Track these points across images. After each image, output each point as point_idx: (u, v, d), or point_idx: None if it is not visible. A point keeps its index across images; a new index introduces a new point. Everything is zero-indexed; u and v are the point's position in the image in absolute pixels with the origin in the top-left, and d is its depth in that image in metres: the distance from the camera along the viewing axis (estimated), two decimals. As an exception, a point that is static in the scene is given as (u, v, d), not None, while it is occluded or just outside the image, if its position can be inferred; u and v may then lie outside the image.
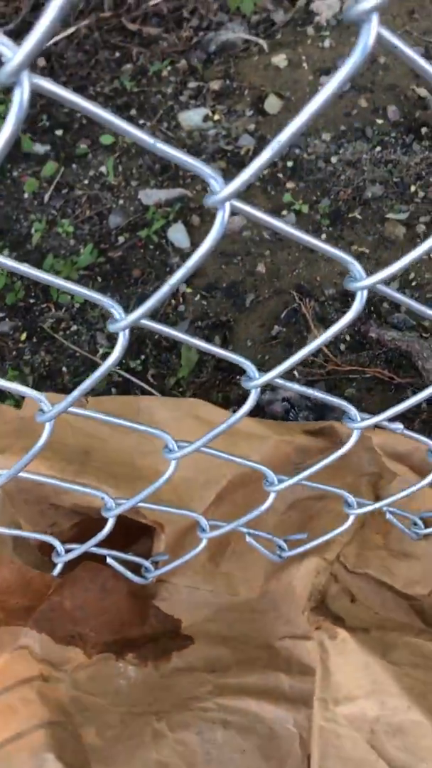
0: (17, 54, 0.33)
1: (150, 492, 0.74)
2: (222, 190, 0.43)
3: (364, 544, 0.96)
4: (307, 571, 0.90)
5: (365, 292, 0.53)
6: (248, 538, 0.92)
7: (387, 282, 0.51)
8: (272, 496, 0.79)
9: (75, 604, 0.87)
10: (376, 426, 0.72)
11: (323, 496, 0.99)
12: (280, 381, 0.64)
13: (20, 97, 0.35)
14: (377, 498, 0.97)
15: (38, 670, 0.82)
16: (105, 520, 0.78)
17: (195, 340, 0.58)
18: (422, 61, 0.42)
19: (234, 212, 0.45)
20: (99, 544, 0.81)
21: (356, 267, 0.53)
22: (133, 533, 0.97)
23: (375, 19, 0.36)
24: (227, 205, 0.44)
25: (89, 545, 0.82)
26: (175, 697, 0.84)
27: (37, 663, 0.83)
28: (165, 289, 0.49)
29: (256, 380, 0.62)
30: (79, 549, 0.84)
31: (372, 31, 0.36)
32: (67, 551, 0.85)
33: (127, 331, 0.53)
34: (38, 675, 0.82)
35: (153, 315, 1.42)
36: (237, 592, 0.94)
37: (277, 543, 0.94)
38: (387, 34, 0.38)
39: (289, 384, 0.66)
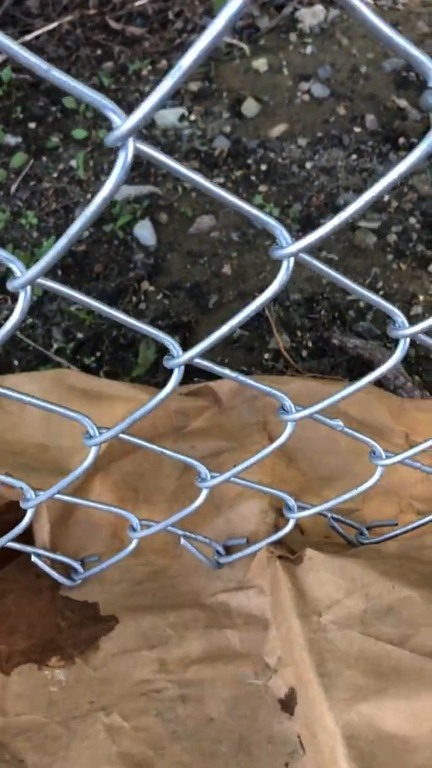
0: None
1: (70, 481, 0.69)
2: (123, 124, 0.38)
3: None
4: (251, 512, 0.85)
5: (291, 261, 0.48)
6: (183, 541, 0.86)
7: (312, 249, 0.47)
8: (204, 492, 0.74)
9: None
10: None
11: (221, 452, 0.95)
12: (205, 363, 0.59)
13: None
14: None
15: None
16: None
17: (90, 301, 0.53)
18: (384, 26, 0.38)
19: (138, 154, 0.41)
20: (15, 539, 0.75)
21: (283, 233, 0.48)
22: None
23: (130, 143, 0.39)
24: (130, 143, 0.40)
25: (6, 540, 0.76)
26: (120, 686, 0.77)
27: None
28: (62, 241, 0.45)
29: (178, 359, 0.57)
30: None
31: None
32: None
33: (29, 289, 0.49)
34: None
35: (112, 302, 1.38)
36: (150, 561, 0.88)
37: (215, 548, 0.88)
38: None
39: (218, 368, 0.61)
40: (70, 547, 0.87)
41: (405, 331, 0.50)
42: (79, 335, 1.37)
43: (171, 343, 0.57)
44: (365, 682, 0.69)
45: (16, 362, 1.34)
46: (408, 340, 0.52)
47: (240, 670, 0.77)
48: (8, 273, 0.49)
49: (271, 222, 0.47)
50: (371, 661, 0.71)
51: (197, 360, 0.56)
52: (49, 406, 0.63)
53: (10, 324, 0.50)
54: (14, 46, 0.38)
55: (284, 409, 0.64)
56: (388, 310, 0.49)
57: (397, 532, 0.89)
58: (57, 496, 0.71)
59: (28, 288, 0.48)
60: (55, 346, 1.36)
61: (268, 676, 0.77)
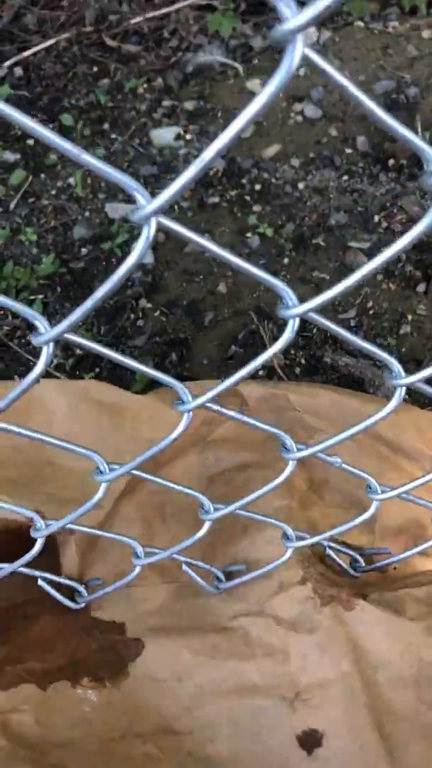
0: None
1: (80, 514, 0.73)
2: (148, 205, 0.42)
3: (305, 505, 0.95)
4: (276, 537, 0.87)
5: (297, 320, 0.52)
6: (184, 567, 0.89)
7: (319, 310, 0.50)
8: (207, 524, 0.77)
9: (7, 640, 0.83)
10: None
11: (246, 466, 0.97)
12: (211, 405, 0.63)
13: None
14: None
15: None
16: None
17: (127, 360, 0.57)
18: (351, 86, 0.42)
19: (160, 228, 0.45)
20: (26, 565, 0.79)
21: (290, 294, 0.52)
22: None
23: (300, 39, 0.36)
24: (153, 221, 0.43)
25: (17, 565, 0.80)
26: (150, 718, 0.80)
27: None
28: (88, 304, 0.48)
29: (188, 404, 0.60)
30: (4, 569, 0.81)
31: (297, 52, 0.36)
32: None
33: (51, 345, 0.52)
34: None
35: (112, 327, 1.42)
36: (176, 578, 0.91)
37: (215, 573, 0.92)
38: (313, 55, 0.38)
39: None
40: (102, 568, 0.90)
41: (401, 380, 0.52)
42: (78, 351, 1.40)
43: (174, 384, 0.60)
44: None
45: (16, 377, 1.37)
46: (404, 389, 0.54)
47: (258, 703, 0.80)
48: (31, 327, 0.52)
49: (278, 284, 0.50)
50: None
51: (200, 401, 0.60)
52: (57, 442, 0.66)
53: (34, 375, 0.53)
54: (47, 133, 0.41)
55: (285, 447, 0.68)
56: (385, 359, 0.52)
57: (391, 560, 0.92)
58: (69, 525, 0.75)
59: (51, 344, 0.51)
60: (55, 361, 1.39)
61: (285, 712, 0.80)
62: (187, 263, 1.51)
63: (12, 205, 1.65)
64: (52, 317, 1.45)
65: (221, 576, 0.92)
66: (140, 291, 1.48)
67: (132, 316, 1.45)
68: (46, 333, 0.51)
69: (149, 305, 1.46)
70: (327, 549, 0.91)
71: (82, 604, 0.90)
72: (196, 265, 1.50)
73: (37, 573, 0.85)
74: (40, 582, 0.85)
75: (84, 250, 1.55)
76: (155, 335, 1.42)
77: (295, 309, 0.48)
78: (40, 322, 0.51)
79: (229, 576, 0.92)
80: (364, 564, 0.94)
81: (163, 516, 0.95)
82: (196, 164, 0.40)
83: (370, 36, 1.90)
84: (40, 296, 1.48)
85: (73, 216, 1.62)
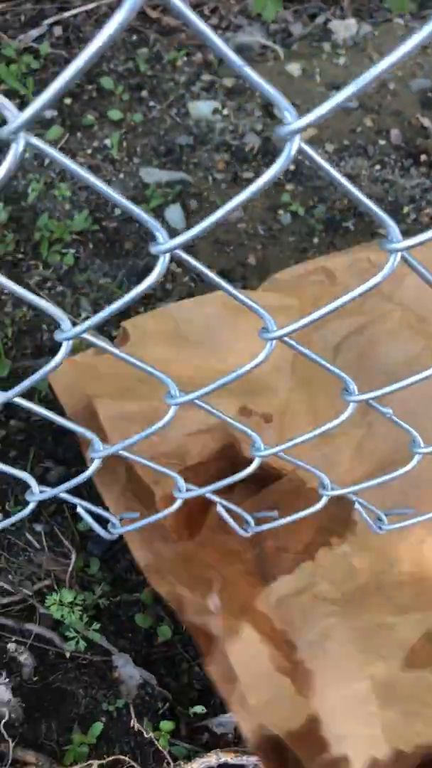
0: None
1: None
2: (167, 243, 0.44)
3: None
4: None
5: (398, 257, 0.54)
6: (219, 508, 0.92)
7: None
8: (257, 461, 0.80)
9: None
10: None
11: (362, 328, 1.07)
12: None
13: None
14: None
15: None
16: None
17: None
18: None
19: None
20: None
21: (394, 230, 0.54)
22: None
23: (297, 138, 0.44)
24: (296, 139, 0.45)
25: (63, 489, 0.82)
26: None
27: None
28: (230, 206, 0.49)
29: (163, 245, 0.63)
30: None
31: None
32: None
33: (168, 255, 0.53)
34: None
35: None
36: None
37: (245, 518, 0.95)
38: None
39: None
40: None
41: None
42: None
43: (261, 313, 0.63)
44: None
45: (44, 327, 1.39)
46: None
47: None
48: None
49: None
50: None
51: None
52: (142, 365, 0.69)
53: (146, 284, 0.54)
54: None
55: (347, 391, 0.71)
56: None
57: (415, 520, 0.96)
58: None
59: (168, 255, 0.52)
60: (83, 315, 1.41)
61: None
62: (218, 233, 1.54)
63: (47, 160, 1.66)
64: (83, 272, 1.47)
65: (251, 521, 0.95)
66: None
67: (162, 278, 1.47)
68: (165, 242, 0.53)
69: (179, 270, 1.48)
70: (356, 503, 0.95)
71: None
72: (227, 235, 1.53)
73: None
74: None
75: (117, 211, 1.56)
76: (183, 299, 1.44)
77: (399, 244, 0.51)
78: (161, 233, 0.53)
79: (259, 521, 0.96)
80: (386, 522, 0.98)
81: None
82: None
83: (409, 34, 1.94)
84: (72, 250, 1.49)
85: (107, 177, 1.63)
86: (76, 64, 0.37)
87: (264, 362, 0.72)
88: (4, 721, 0.86)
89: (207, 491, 0.87)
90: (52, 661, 0.99)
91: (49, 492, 0.86)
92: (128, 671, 1.00)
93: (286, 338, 0.65)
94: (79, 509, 0.92)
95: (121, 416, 0.95)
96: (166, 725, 0.92)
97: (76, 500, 0.92)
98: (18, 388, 0.68)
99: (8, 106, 0.44)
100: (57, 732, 0.94)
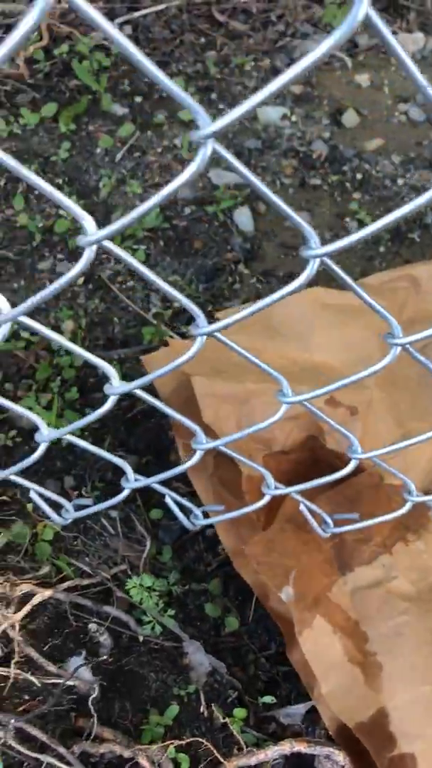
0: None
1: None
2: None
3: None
4: None
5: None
6: (301, 507, 0.95)
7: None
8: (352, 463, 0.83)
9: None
10: None
11: None
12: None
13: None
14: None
15: None
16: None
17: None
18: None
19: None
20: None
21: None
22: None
23: (210, 143, 0.45)
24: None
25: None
26: None
27: None
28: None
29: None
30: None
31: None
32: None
33: (94, 247, 0.52)
34: None
35: (209, 287, 1.45)
36: None
37: (324, 518, 0.97)
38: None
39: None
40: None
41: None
42: (176, 304, 1.46)
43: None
44: None
45: (116, 319, 1.42)
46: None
47: None
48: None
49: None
50: None
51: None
52: (254, 359, 0.72)
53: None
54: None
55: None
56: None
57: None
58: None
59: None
60: (153, 310, 1.44)
61: None
62: (285, 237, 1.56)
63: (118, 157, 1.70)
64: (153, 268, 1.50)
65: (329, 521, 0.98)
66: (239, 256, 1.53)
67: (230, 279, 1.50)
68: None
69: (246, 271, 1.51)
70: (301, 505, 0.96)
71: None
72: (294, 240, 1.56)
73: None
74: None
75: (187, 210, 1.60)
76: (249, 300, 1.47)
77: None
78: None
79: (338, 522, 0.98)
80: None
81: None
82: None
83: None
84: (143, 247, 1.53)
85: (177, 176, 1.66)
86: None
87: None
88: (90, 697, 0.89)
89: (295, 490, 0.90)
90: (125, 643, 1.03)
91: (143, 481, 0.89)
92: (198, 658, 1.03)
93: (408, 346, 0.67)
94: (167, 499, 0.95)
95: (214, 394, 0.98)
96: (240, 713, 0.95)
97: (165, 490, 0.95)
98: (140, 381, 0.71)
99: (202, 114, 0.47)
100: (131, 712, 0.97)
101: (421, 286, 1.13)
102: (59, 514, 0.95)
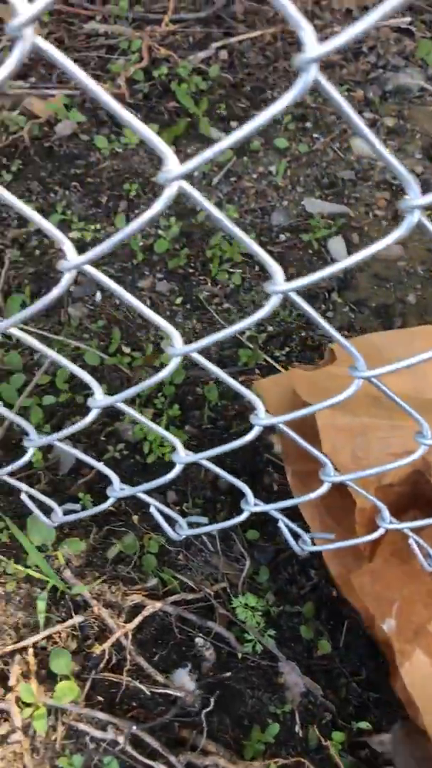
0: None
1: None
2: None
3: None
4: None
5: None
6: (411, 541, 0.98)
7: None
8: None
9: None
10: None
11: None
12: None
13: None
14: None
15: None
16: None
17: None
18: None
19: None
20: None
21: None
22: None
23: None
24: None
25: None
26: None
27: None
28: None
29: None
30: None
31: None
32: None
33: (74, 272, 0.53)
34: None
35: (303, 314, 1.49)
36: None
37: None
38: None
39: None
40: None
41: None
42: (270, 328, 1.50)
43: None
44: None
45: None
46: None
47: None
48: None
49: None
50: None
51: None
52: (397, 399, 0.75)
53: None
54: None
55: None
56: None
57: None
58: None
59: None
60: (247, 333, 1.49)
61: None
62: (378, 268, 1.60)
63: (215, 181, 1.75)
64: (248, 292, 1.55)
65: (436, 557, 1.00)
66: (333, 285, 1.56)
67: (323, 306, 1.54)
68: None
69: (340, 300, 1.55)
70: (280, 522, 0.99)
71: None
72: (386, 271, 1.59)
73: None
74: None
75: (282, 237, 1.64)
76: (343, 329, 1.50)
77: None
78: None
79: None
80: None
81: None
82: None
83: None
84: (239, 271, 1.57)
85: (272, 202, 1.71)
86: None
87: None
88: (203, 711, 0.92)
89: (410, 526, 0.93)
90: (224, 659, 1.06)
91: (262, 506, 0.93)
92: (293, 678, 1.06)
93: None
94: (280, 524, 0.99)
95: (333, 426, 1.02)
96: (338, 736, 0.98)
97: (280, 516, 0.98)
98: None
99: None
100: (230, 726, 1.00)
101: None
102: (174, 530, 0.99)
